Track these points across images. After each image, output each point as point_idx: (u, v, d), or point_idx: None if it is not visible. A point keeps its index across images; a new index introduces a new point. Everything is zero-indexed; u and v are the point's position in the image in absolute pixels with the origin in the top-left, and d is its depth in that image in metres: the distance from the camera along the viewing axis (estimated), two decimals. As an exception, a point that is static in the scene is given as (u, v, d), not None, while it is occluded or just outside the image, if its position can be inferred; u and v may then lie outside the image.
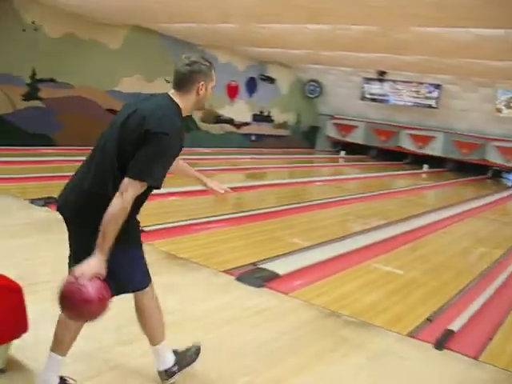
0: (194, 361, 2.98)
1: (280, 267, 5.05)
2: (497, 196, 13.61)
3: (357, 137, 19.85)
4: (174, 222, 6.38)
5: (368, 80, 18.60)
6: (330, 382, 3.16)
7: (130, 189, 2.34)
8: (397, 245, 6.80)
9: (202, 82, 2.64)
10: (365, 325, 4.01)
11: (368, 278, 5.28)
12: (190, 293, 4.24)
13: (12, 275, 2.92)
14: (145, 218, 6.20)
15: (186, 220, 6.56)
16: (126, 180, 2.35)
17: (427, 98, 17.80)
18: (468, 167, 18.01)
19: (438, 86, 17.46)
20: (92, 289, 2.28)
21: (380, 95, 18.67)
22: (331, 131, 20.44)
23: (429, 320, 4.28)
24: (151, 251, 5.15)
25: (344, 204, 9.46)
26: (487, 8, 7.82)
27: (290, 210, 8.24)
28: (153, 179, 2.40)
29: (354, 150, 19.77)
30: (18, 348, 2.88)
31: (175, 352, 2.91)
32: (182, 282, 4.47)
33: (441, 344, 3.78)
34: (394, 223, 8.15)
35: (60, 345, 2.62)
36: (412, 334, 3.94)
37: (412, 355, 3.63)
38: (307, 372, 3.23)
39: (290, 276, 4.95)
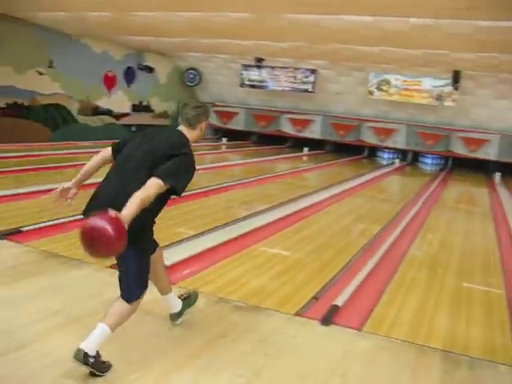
0: (194, 303, 3.81)
1: (167, 258, 4.98)
2: (373, 174, 14.29)
3: (237, 123, 20.05)
4: (51, 221, 6.08)
5: (246, 67, 18.79)
6: (223, 367, 3.18)
7: (156, 185, 2.92)
8: (281, 227, 6.96)
9: (205, 122, 3.41)
10: (254, 308, 4.08)
11: (255, 262, 5.37)
12: (74, 291, 4.10)
13: None
14: (20, 217, 6.01)
15: (65, 217, 6.27)
16: (154, 179, 2.94)
17: (304, 82, 18.30)
18: (345, 148, 18.80)
19: (313, 71, 17.99)
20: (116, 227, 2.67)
21: (259, 81, 18.95)
22: (212, 119, 20.47)
23: (315, 298, 4.43)
24: (31, 252, 4.93)
25: (227, 190, 9.54)
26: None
27: (175, 199, 8.13)
28: (175, 182, 3.04)
29: (236, 136, 19.97)
30: None
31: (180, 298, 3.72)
32: (66, 281, 4.31)
33: (327, 320, 3.93)
34: (278, 206, 8.32)
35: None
36: (300, 313, 4.06)
37: (301, 333, 3.75)
38: (200, 360, 3.24)
39: (178, 266, 4.92)
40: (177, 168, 3.05)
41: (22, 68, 13.25)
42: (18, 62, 13.06)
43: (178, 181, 3.06)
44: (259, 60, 18.08)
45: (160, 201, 3.08)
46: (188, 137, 3.32)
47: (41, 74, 13.92)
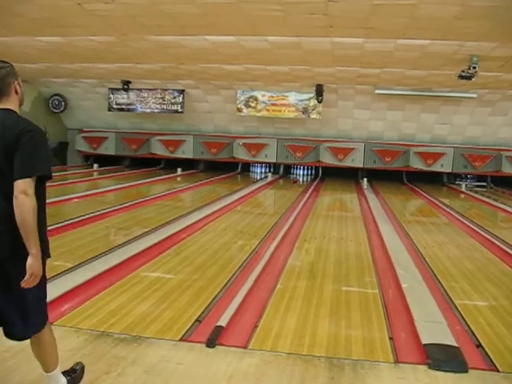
0: (81, 378, 3.25)
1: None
2: (247, 189, 14.54)
3: (108, 148, 19.67)
4: None
5: (114, 90, 18.48)
6: (108, 405, 3.08)
7: (28, 188, 2.63)
8: (162, 250, 6.89)
9: (15, 82, 2.91)
10: (137, 339, 3.99)
11: (137, 289, 5.25)
12: None
13: None
14: None
15: None
16: (21, 182, 2.62)
17: (173, 103, 18.32)
18: (219, 165, 19.03)
19: (181, 92, 18.06)
20: None
21: (127, 105, 18.70)
22: (81, 145, 19.94)
23: (198, 321, 4.40)
24: None
25: (104, 218, 9.28)
26: (219, 18, 8.33)
27: (50, 231, 7.78)
28: (41, 166, 2.73)
29: (107, 161, 19.56)
30: None
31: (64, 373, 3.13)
32: None
33: (212, 342, 3.93)
34: (156, 229, 8.22)
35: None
36: (184, 338, 4.02)
37: (187, 359, 3.71)
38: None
39: (56, 302, 4.68)
40: (34, 151, 2.69)
41: None
42: None
43: (43, 163, 2.74)
44: (126, 83, 17.85)
45: (40, 199, 2.76)
46: (12, 109, 2.87)
47: None
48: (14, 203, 2.61)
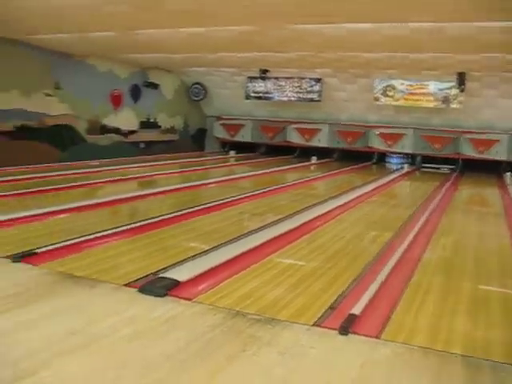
0: None
1: (181, 274, 5.00)
2: (382, 180, 14.26)
3: (245, 135, 20.12)
4: (65, 241, 6.10)
5: (251, 79, 18.86)
6: (245, 381, 3.17)
7: None
8: (294, 238, 6.94)
9: None
10: (271, 321, 4.06)
11: (270, 274, 5.35)
12: (90, 312, 4.10)
13: None
14: (34, 239, 6.05)
15: (78, 237, 6.31)
16: None
17: (309, 92, 18.35)
18: (354, 155, 18.80)
19: (318, 80, 18.03)
20: None
21: (264, 93, 19.01)
22: (219, 132, 20.57)
23: (331, 308, 4.41)
24: (47, 274, 4.95)
25: (239, 203, 9.53)
26: (355, 4, 8.20)
27: (186, 214, 8.17)
28: None
29: (244, 148, 20.02)
30: None
31: None
32: (82, 302, 4.30)
33: (345, 329, 3.91)
34: (289, 217, 8.30)
35: None
36: (317, 324, 4.04)
37: (319, 344, 3.73)
38: (221, 375, 3.22)
39: (192, 281, 4.90)
40: None
41: (30, 90, 13.38)
42: (24, 84, 13.19)
43: None
44: (264, 71, 18.14)
45: None
46: None
47: (48, 95, 14.05)
48: None
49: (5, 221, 7.07)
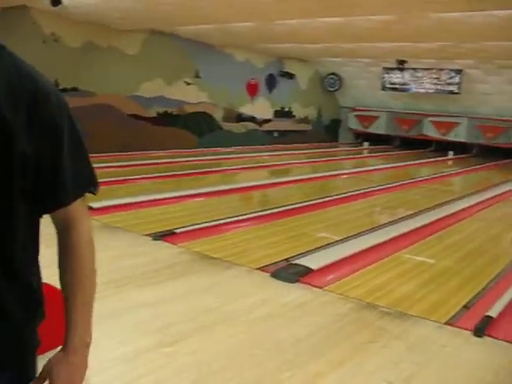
0: None
1: (312, 262, 5.08)
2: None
3: (379, 127, 19.74)
4: (202, 223, 6.42)
5: (388, 70, 18.47)
6: (371, 373, 3.18)
7: (84, 217, 1.37)
8: (427, 234, 6.76)
9: None
10: (402, 315, 4.02)
11: (401, 269, 5.27)
12: (226, 291, 4.29)
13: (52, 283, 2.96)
14: (173, 220, 6.39)
15: (214, 220, 6.60)
16: (72, 209, 1.32)
17: (448, 84, 17.63)
18: (494, 151, 17.79)
19: (459, 72, 17.28)
20: None
21: (401, 84, 18.54)
22: (353, 123, 20.37)
23: (466, 307, 4.27)
24: (185, 252, 5.23)
25: (370, 196, 9.43)
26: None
27: (317, 204, 8.24)
28: (96, 180, 1.41)
29: (377, 140, 19.68)
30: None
31: None
32: (218, 281, 4.51)
33: (480, 331, 3.77)
34: (422, 212, 8.09)
35: None
36: (450, 322, 3.94)
37: (452, 343, 3.63)
38: (348, 364, 3.25)
39: (323, 270, 4.96)
40: (77, 140, 1.35)
41: (171, 79, 14.06)
42: (167, 73, 13.89)
43: (91, 174, 1.39)
44: (401, 62, 17.68)
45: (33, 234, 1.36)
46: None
47: (188, 83, 14.67)
48: (70, 248, 1.36)
49: (147, 201, 7.55)
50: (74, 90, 12.00)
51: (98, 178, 1.41)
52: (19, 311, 1.29)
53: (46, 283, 2.84)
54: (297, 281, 4.57)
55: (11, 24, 10.65)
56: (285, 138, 18.18)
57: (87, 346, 1.37)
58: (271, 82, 17.67)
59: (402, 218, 7.67)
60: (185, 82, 14.57)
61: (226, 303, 3.97)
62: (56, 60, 11.43)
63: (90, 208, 6.77)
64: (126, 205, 7.30)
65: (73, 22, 11.45)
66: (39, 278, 1.41)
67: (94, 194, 1.40)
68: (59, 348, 1.34)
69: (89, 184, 1.39)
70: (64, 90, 11.82)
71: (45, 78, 1.29)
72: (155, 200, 7.73)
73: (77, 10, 10.23)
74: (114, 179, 9.24)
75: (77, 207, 1.34)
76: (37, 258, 1.40)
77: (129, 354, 3.07)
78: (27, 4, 10.44)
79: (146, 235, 5.77)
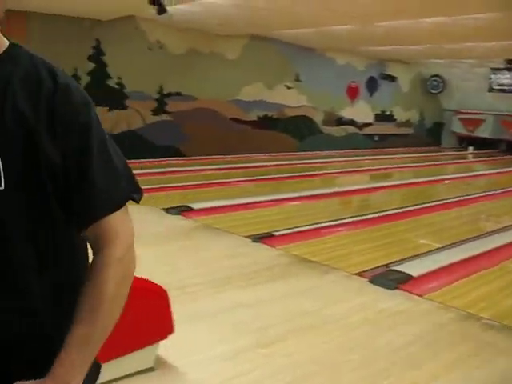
0: None
1: (412, 269, 4.97)
2: None
3: (485, 131, 18.93)
4: (300, 226, 6.45)
5: (495, 70, 17.69)
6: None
7: (121, 229, 1.18)
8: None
9: None
10: (508, 329, 3.84)
11: (506, 280, 5.04)
12: (324, 295, 4.29)
13: (155, 280, 3.08)
14: (272, 222, 6.47)
15: (312, 224, 6.61)
16: (108, 224, 1.15)
17: None
18: None
19: None
20: None
21: (509, 85, 17.71)
22: (457, 127, 19.65)
23: None
24: (283, 255, 5.28)
25: (474, 202, 9.07)
26: None
27: (418, 210, 8.04)
28: (137, 186, 1.26)
29: (482, 144, 18.88)
30: (164, 348, 3.04)
31: None
32: (316, 285, 4.52)
33: None
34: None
35: None
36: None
37: None
38: (447, 377, 3.15)
39: (424, 278, 4.84)
40: (104, 147, 1.19)
41: (272, 83, 14.22)
42: (267, 77, 14.06)
43: (130, 179, 1.23)
44: (510, 62, 16.88)
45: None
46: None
47: (289, 87, 14.78)
48: (94, 271, 1.14)
49: (247, 204, 7.69)
50: (178, 94, 12.44)
51: (140, 184, 1.23)
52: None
53: (150, 281, 2.98)
54: (396, 288, 4.49)
55: (119, 33, 11.21)
56: (385, 141, 17.86)
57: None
58: (372, 85, 17.42)
59: (508, 226, 7.32)
60: (285, 85, 14.68)
61: (324, 307, 3.97)
62: (161, 66, 11.91)
63: (191, 209, 7.05)
64: (226, 206, 7.47)
65: (176, 30, 11.86)
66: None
67: (137, 202, 1.22)
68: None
69: (129, 191, 1.20)
70: (168, 95, 12.30)
71: (64, 72, 1.17)
72: (255, 202, 7.86)
73: (180, 17, 10.58)
74: (214, 181, 9.50)
75: (114, 222, 1.14)
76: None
77: (227, 353, 3.15)
78: (134, 14, 10.94)
79: (246, 237, 5.87)
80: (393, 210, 7.85)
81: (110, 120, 11.63)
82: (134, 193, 1.21)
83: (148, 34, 11.67)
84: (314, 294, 4.24)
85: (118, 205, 1.17)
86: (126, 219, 1.19)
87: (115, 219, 1.15)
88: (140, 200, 1.23)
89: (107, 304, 1.13)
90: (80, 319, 1.10)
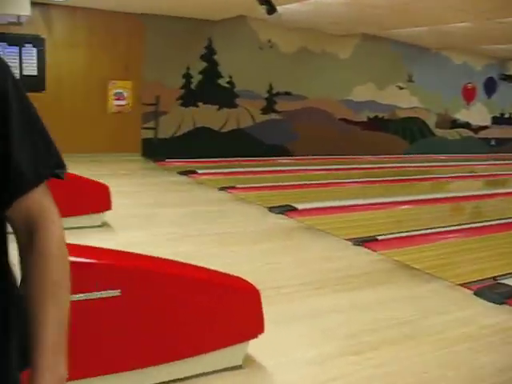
0: None
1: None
2: None
3: None
4: (406, 232, 6.23)
5: None
6: None
7: (54, 213, 1.07)
8: None
9: None
10: None
11: None
12: (423, 305, 4.07)
13: (251, 278, 3.07)
14: (377, 226, 6.30)
15: (420, 229, 6.36)
16: (36, 200, 1.04)
17: None
18: None
19: None
20: None
21: None
22: None
23: None
24: (384, 260, 5.11)
25: None
26: None
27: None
28: (61, 161, 1.11)
29: None
30: (254, 347, 3.02)
31: None
32: (415, 294, 4.32)
33: None
34: None
35: None
36: None
37: None
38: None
39: None
40: (30, 125, 1.05)
41: (383, 83, 13.90)
42: (379, 77, 13.76)
43: (53, 153, 1.09)
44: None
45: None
46: None
47: (400, 88, 14.38)
48: (38, 255, 1.03)
49: (352, 206, 7.56)
50: (287, 94, 12.47)
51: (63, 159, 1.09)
52: None
53: (244, 279, 2.96)
54: (503, 302, 4.18)
55: (231, 32, 11.41)
56: (504, 146, 16.92)
57: (61, 380, 1.00)
58: (491, 86, 16.56)
59: None
60: (397, 86, 14.31)
61: (421, 318, 3.77)
62: (271, 65, 11.99)
63: (295, 209, 7.02)
64: (330, 208, 7.40)
65: (287, 29, 11.89)
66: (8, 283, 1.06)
67: (62, 178, 1.08)
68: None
69: (53, 165, 1.07)
70: (277, 94, 12.36)
71: None
72: (360, 205, 7.71)
73: (290, 17, 10.59)
74: (320, 182, 9.42)
75: (42, 198, 1.04)
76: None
77: (316, 358, 3.07)
78: (245, 14, 11.08)
79: (347, 240, 5.75)
80: (506, 219, 7.38)
81: (220, 118, 11.88)
82: (57, 168, 1.08)
83: (259, 34, 11.80)
84: (413, 304, 4.04)
85: (46, 176, 1.06)
86: (49, 194, 1.07)
87: (45, 195, 1.06)
88: (64, 176, 1.09)
89: (65, 286, 1.04)
90: (48, 305, 1.01)
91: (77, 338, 2.41)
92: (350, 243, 5.65)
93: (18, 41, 9.98)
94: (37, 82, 10.18)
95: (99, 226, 5.65)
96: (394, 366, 3.02)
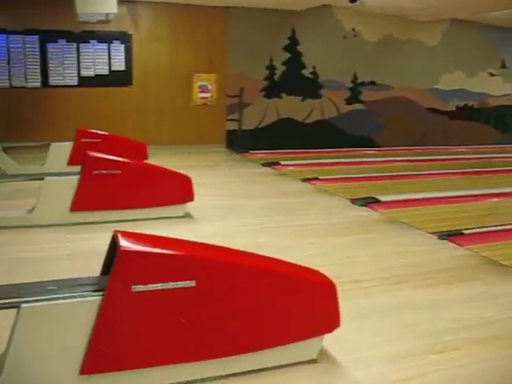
0: None
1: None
2: None
3: None
4: (495, 226, 5.95)
5: None
6: None
7: None
8: None
9: None
10: None
11: None
12: (509, 304, 3.88)
13: (328, 272, 3.02)
14: (463, 220, 6.06)
15: (509, 224, 6.06)
16: None
17: None
18: None
19: None
20: None
21: None
22: None
23: None
24: (470, 256, 4.91)
25: None
26: None
27: None
28: None
29: None
30: (329, 341, 2.97)
31: None
32: (504, 291, 4.10)
33: None
34: None
35: None
36: None
37: None
38: None
39: None
40: None
41: (473, 70, 13.34)
42: (469, 64, 13.22)
43: None
44: None
45: None
46: None
47: (492, 75, 13.75)
48: None
49: (438, 198, 7.32)
50: (372, 83, 12.24)
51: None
52: None
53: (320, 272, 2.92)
54: None
55: (314, 22, 11.30)
56: None
57: None
58: None
59: None
60: (489, 73, 13.70)
61: (510, 318, 3.58)
62: (355, 54, 11.80)
63: (378, 201, 6.87)
64: (415, 200, 7.20)
65: (371, 17, 11.65)
66: None
67: None
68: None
69: None
70: (362, 84, 12.16)
71: None
72: (447, 197, 7.45)
73: (374, 4, 10.35)
74: (406, 173, 9.20)
75: None
76: None
77: (394, 355, 2.98)
78: (329, 3, 10.94)
79: (432, 233, 5.57)
80: None
81: (303, 109, 11.83)
82: None
83: (343, 23, 11.63)
84: (501, 302, 3.84)
85: None
86: None
87: None
88: None
89: None
90: None
91: (154, 327, 2.44)
92: (434, 237, 5.46)
93: (106, 38, 10.44)
94: (124, 77, 10.59)
95: (182, 217, 5.76)
96: (478, 368, 2.88)
